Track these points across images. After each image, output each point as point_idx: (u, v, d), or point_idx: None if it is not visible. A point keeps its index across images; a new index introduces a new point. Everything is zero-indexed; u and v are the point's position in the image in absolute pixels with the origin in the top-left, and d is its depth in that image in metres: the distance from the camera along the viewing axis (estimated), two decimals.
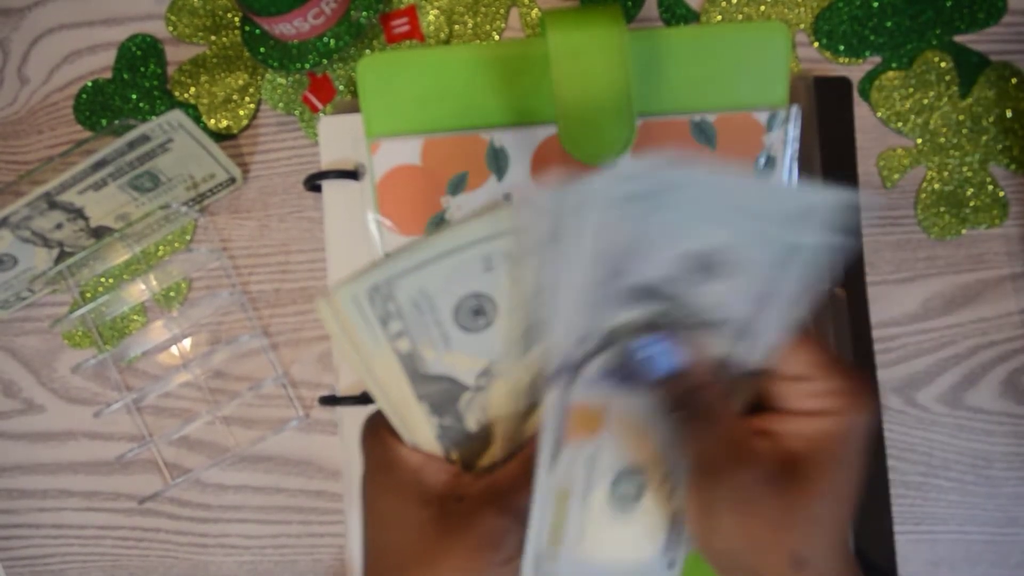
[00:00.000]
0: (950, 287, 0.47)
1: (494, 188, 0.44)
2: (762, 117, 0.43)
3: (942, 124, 0.46)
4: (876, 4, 0.46)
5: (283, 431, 0.49)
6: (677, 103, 0.43)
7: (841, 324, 0.45)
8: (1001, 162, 0.46)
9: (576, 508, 0.29)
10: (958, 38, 0.46)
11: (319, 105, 0.48)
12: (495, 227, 0.26)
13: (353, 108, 0.46)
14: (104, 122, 0.49)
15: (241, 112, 0.49)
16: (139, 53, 0.49)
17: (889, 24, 0.46)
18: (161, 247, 0.49)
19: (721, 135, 0.43)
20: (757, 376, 0.29)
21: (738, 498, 0.27)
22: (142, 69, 0.49)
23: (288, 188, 0.49)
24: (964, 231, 0.47)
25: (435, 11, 0.47)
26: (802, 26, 0.47)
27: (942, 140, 0.46)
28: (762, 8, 0.47)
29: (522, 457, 0.29)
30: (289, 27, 0.44)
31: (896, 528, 0.47)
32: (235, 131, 0.49)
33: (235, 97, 0.49)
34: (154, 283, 0.49)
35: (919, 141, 0.47)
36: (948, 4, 0.46)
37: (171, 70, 0.49)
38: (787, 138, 0.43)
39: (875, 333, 0.47)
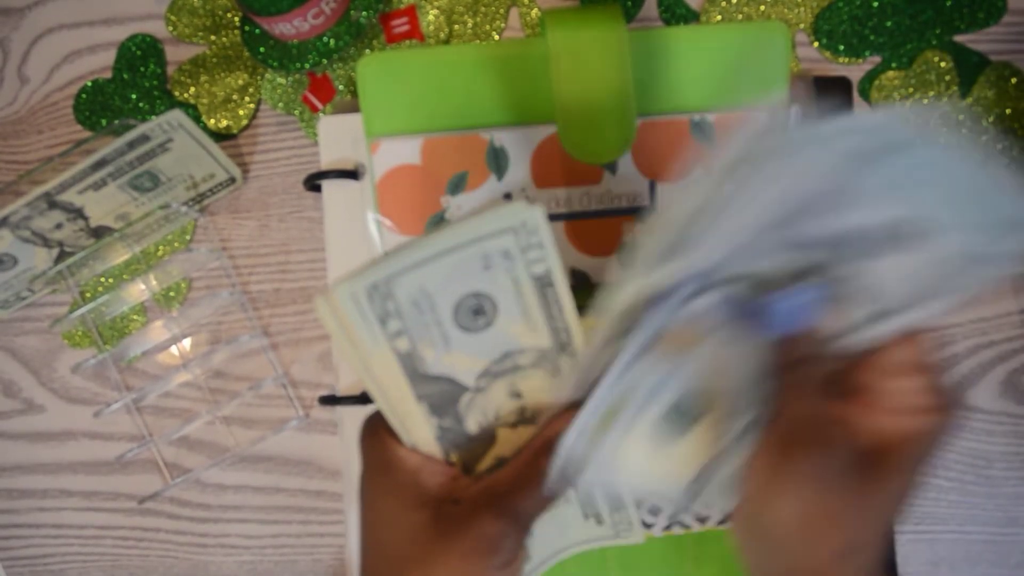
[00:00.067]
0: None
1: (494, 188, 0.44)
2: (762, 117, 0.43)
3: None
4: (876, 4, 0.46)
5: (283, 431, 0.49)
6: (677, 103, 0.43)
7: None
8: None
9: (628, 416, 0.29)
10: (958, 38, 0.46)
11: (319, 105, 0.48)
12: (494, 226, 0.26)
13: (353, 108, 0.46)
14: (104, 122, 0.49)
15: (241, 112, 0.49)
16: (139, 53, 0.49)
17: (889, 24, 0.46)
18: (161, 247, 0.49)
19: (721, 135, 0.43)
20: (857, 357, 0.28)
21: (813, 477, 0.26)
22: (142, 69, 0.49)
23: (288, 188, 0.49)
24: None
25: (435, 11, 0.47)
26: (802, 26, 0.47)
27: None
28: (762, 8, 0.47)
29: (520, 461, 0.29)
30: (289, 27, 0.44)
31: (896, 528, 0.47)
32: (235, 131, 0.49)
33: (235, 97, 0.49)
34: (154, 283, 0.49)
35: None
36: (948, 4, 0.46)
37: (171, 70, 0.49)
38: None
39: None
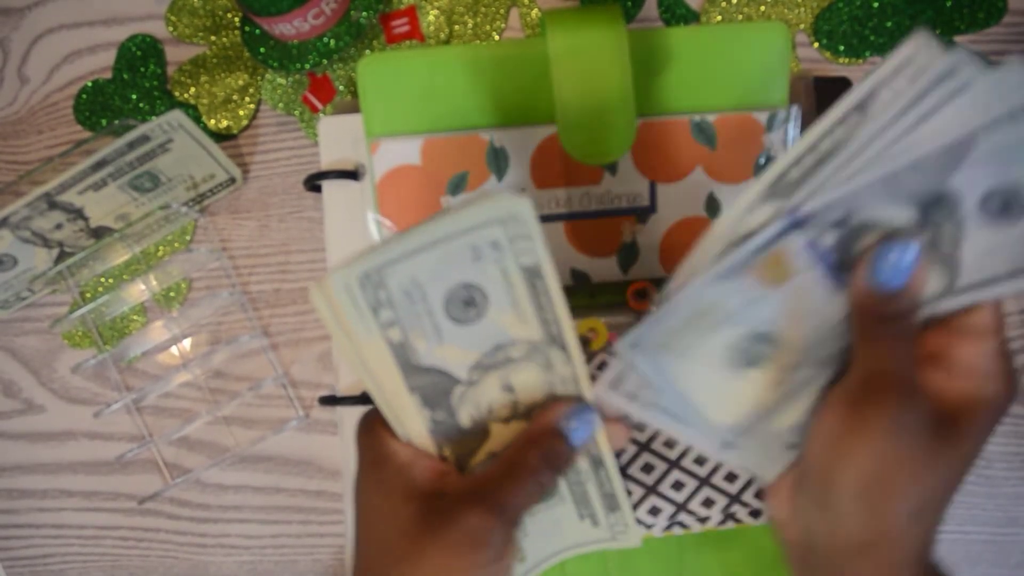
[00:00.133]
0: None
1: (494, 188, 0.44)
2: (762, 117, 0.43)
3: None
4: (876, 4, 0.46)
5: (283, 431, 0.49)
6: (677, 103, 0.43)
7: None
8: None
9: (710, 326, 0.29)
10: (958, 38, 0.46)
11: (319, 105, 0.48)
12: (483, 216, 0.26)
13: (353, 108, 0.46)
14: (104, 122, 0.49)
15: (241, 112, 0.49)
16: (139, 53, 0.49)
17: (889, 24, 0.46)
18: (161, 247, 0.49)
19: (721, 135, 0.43)
20: (935, 322, 0.29)
21: (889, 432, 0.26)
22: (142, 69, 0.49)
23: (288, 188, 0.49)
24: None
25: (435, 11, 0.47)
26: (802, 26, 0.47)
27: None
28: (762, 8, 0.47)
29: (507, 455, 0.29)
30: (289, 27, 0.44)
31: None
32: (235, 131, 0.49)
33: (235, 97, 0.49)
34: (154, 283, 0.49)
35: None
36: (948, 4, 0.46)
37: (171, 70, 0.49)
38: (787, 138, 0.43)
39: None
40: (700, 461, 0.42)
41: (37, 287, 0.49)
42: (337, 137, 0.45)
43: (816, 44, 0.47)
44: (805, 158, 0.26)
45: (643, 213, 0.44)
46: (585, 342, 0.41)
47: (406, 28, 0.48)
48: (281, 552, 0.50)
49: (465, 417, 0.30)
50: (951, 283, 0.28)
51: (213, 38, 0.49)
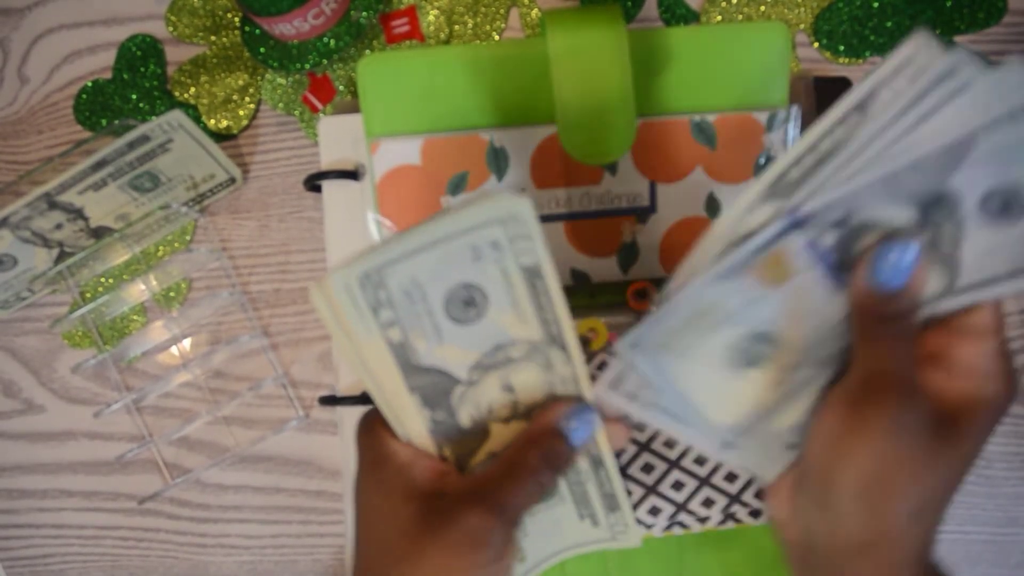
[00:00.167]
0: None
1: (494, 188, 0.44)
2: (762, 117, 0.43)
3: None
4: (876, 4, 0.46)
5: (283, 431, 0.49)
6: (677, 103, 0.43)
7: None
8: None
9: (710, 326, 0.29)
10: (958, 38, 0.46)
11: (319, 105, 0.48)
12: (483, 217, 0.26)
13: (353, 108, 0.46)
14: (104, 122, 0.49)
15: (241, 112, 0.49)
16: (139, 53, 0.49)
17: (889, 24, 0.46)
18: (161, 247, 0.49)
19: (721, 135, 0.43)
20: (934, 322, 0.29)
21: (889, 431, 0.26)
22: (142, 69, 0.49)
23: (288, 188, 0.49)
24: None
25: (435, 11, 0.47)
26: (802, 26, 0.47)
27: None
28: (762, 8, 0.47)
29: (507, 455, 0.29)
30: (289, 27, 0.44)
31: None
32: (235, 131, 0.49)
33: (235, 97, 0.49)
34: (154, 283, 0.49)
35: None
36: (948, 4, 0.46)
37: (171, 70, 0.49)
38: (787, 138, 0.43)
39: None
40: (700, 461, 0.42)
41: (37, 287, 0.49)
42: (337, 137, 0.45)
43: (816, 44, 0.47)
44: (805, 158, 0.26)
45: (643, 213, 0.44)
46: (585, 342, 0.41)
47: (406, 28, 0.48)
48: (281, 552, 0.50)
49: (465, 417, 0.30)
50: (951, 283, 0.28)
51: (213, 38, 0.49)
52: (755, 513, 0.43)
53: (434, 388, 0.29)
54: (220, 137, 0.49)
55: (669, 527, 0.43)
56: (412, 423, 0.29)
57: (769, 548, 0.45)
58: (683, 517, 0.43)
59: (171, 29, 0.49)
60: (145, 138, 0.42)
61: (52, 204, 0.44)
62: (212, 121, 0.49)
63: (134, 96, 0.49)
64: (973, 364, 0.28)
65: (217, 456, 0.50)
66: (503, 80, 0.43)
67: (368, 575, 0.30)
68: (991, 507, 0.48)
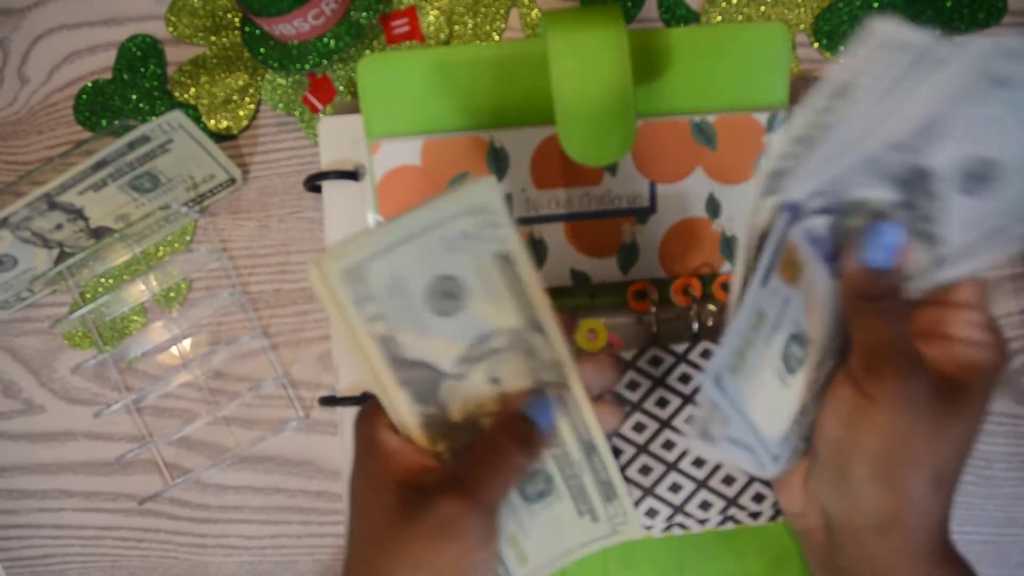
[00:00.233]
0: None
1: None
2: (762, 117, 0.43)
3: None
4: (876, 4, 0.46)
5: (283, 431, 0.49)
6: (677, 103, 0.43)
7: None
8: None
9: (763, 337, 0.29)
10: (958, 38, 0.46)
11: (319, 105, 0.48)
12: (453, 208, 0.27)
13: (353, 109, 0.46)
14: (104, 122, 0.49)
15: (241, 112, 0.49)
16: (139, 53, 0.49)
17: None
18: (161, 247, 0.49)
19: (721, 135, 0.43)
20: (924, 298, 0.29)
21: (895, 405, 0.27)
22: (142, 69, 0.49)
23: (288, 188, 0.49)
24: None
25: (435, 12, 0.47)
26: (802, 26, 0.47)
27: None
28: (762, 8, 0.47)
29: (478, 445, 0.29)
30: (289, 27, 0.44)
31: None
32: (235, 131, 0.49)
33: (235, 98, 0.49)
34: (154, 283, 0.49)
35: None
36: (948, 4, 0.46)
37: (171, 70, 0.49)
38: None
39: None
40: (698, 463, 0.42)
41: (37, 287, 0.49)
42: (337, 137, 0.45)
43: (816, 44, 0.47)
44: (793, 148, 0.26)
45: (643, 213, 0.44)
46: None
47: (406, 28, 0.48)
48: (281, 552, 0.50)
49: (455, 412, 0.30)
50: (936, 257, 0.29)
51: (213, 38, 0.49)
52: (754, 515, 0.43)
53: (423, 382, 0.29)
54: (220, 137, 0.49)
55: (668, 528, 0.43)
56: (406, 417, 0.29)
57: (772, 547, 0.45)
58: (681, 519, 0.43)
59: (171, 29, 0.49)
60: (145, 138, 0.42)
61: (52, 204, 0.44)
62: (212, 121, 0.49)
63: (134, 96, 0.49)
64: (966, 334, 0.29)
65: (217, 456, 0.50)
66: (503, 80, 0.43)
67: (355, 561, 0.30)
68: (991, 507, 0.48)
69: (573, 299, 0.44)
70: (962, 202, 0.28)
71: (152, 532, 0.51)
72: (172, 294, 0.50)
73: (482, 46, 0.46)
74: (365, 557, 0.29)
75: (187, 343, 0.50)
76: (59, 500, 0.51)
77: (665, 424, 0.43)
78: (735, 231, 0.44)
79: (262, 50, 0.46)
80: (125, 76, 0.49)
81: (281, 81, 0.48)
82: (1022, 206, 0.28)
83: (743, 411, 0.30)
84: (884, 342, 0.28)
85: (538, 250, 0.44)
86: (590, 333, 0.39)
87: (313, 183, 0.45)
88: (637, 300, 0.44)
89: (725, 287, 0.43)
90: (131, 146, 0.42)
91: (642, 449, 0.43)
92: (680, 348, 0.43)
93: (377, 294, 0.27)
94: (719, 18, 0.47)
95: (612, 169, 0.44)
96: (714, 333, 0.43)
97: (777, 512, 0.43)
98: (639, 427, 0.43)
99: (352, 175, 0.45)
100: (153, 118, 0.42)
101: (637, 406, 0.43)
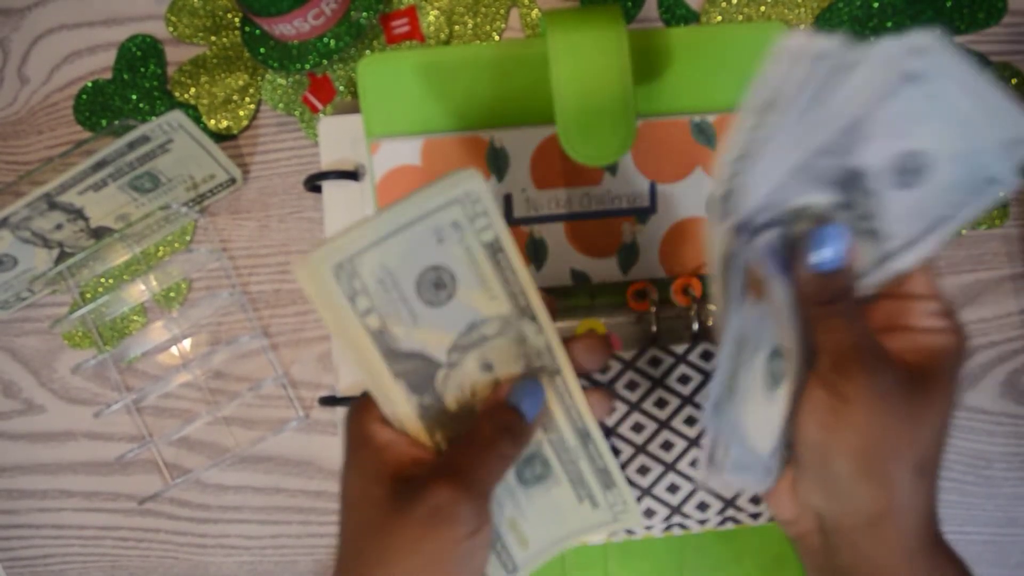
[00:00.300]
0: (950, 288, 0.47)
1: (494, 189, 0.44)
2: None
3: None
4: (876, 4, 0.46)
5: (283, 431, 0.49)
6: (677, 103, 0.43)
7: None
8: None
9: (749, 358, 0.30)
10: (958, 38, 0.46)
11: (319, 106, 0.48)
12: (439, 199, 0.27)
13: (353, 109, 0.46)
14: (104, 122, 0.49)
15: (241, 112, 0.49)
16: (139, 53, 0.49)
17: (889, 24, 0.46)
18: (161, 247, 0.49)
19: (721, 135, 0.43)
20: (877, 293, 0.30)
21: (867, 401, 0.27)
22: (142, 69, 0.49)
23: (288, 188, 0.49)
24: (964, 232, 0.47)
25: (435, 12, 0.47)
26: (802, 26, 0.47)
27: None
28: (762, 8, 0.47)
29: (468, 433, 0.30)
30: (289, 27, 0.44)
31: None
32: (235, 131, 0.49)
33: (235, 97, 0.49)
34: (154, 283, 0.49)
35: None
36: (948, 4, 0.46)
37: (171, 70, 0.49)
38: None
39: None
40: (696, 465, 0.42)
41: (37, 287, 0.49)
42: (337, 137, 0.45)
43: None
44: (735, 167, 0.27)
45: (643, 213, 0.44)
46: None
47: (406, 28, 0.48)
48: (281, 552, 0.50)
49: (451, 401, 0.30)
50: (882, 252, 0.29)
51: (213, 38, 0.49)
52: (754, 516, 0.43)
53: (417, 373, 0.29)
54: (220, 137, 0.49)
55: (668, 528, 0.43)
56: (401, 409, 0.29)
57: (771, 546, 0.45)
58: (679, 519, 0.43)
59: (171, 29, 0.49)
60: (145, 138, 0.42)
61: (52, 204, 0.44)
62: (212, 121, 0.49)
63: (134, 96, 0.49)
64: (925, 323, 0.29)
65: (217, 456, 0.50)
66: (503, 80, 0.43)
67: (347, 554, 0.30)
68: (991, 507, 0.48)
69: (573, 299, 0.44)
70: (902, 195, 0.28)
71: (152, 532, 0.51)
72: (172, 294, 0.50)
73: (482, 46, 0.46)
74: (357, 549, 0.29)
75: (187, 343, 0.50)
76: (59, 500, 0.51)
77: (664, 425, 0.43)
78: None
79: (262, 50, 0.46)
80: (125, 76, 0.49)
81: (281, 81, 0.48)
82: (957, 190, 0.28)
83: (741, 434, 0.31)
84: (848, 342, 0.28)
85: (538, 250, 0.44)
86: (590, 333, 0.39)
87: (313, 183, 0.45)
88: (637, 300, 0.44)
89: None
90: (131, 146, 0.42)
91: (640, 449, 0.43)
92: (679, 349, 0.43)
93: (369, 288, 0.27)
94: (719, 18, 0.47)
95: (612, 169, 0.44)
96: (714, 333, 0.43)
97: None
98: (637, 427, 0.43)
99: (352, 175, 0.45)
100: (153, 118, 0.42)
101: (636, 406, 0.43)
